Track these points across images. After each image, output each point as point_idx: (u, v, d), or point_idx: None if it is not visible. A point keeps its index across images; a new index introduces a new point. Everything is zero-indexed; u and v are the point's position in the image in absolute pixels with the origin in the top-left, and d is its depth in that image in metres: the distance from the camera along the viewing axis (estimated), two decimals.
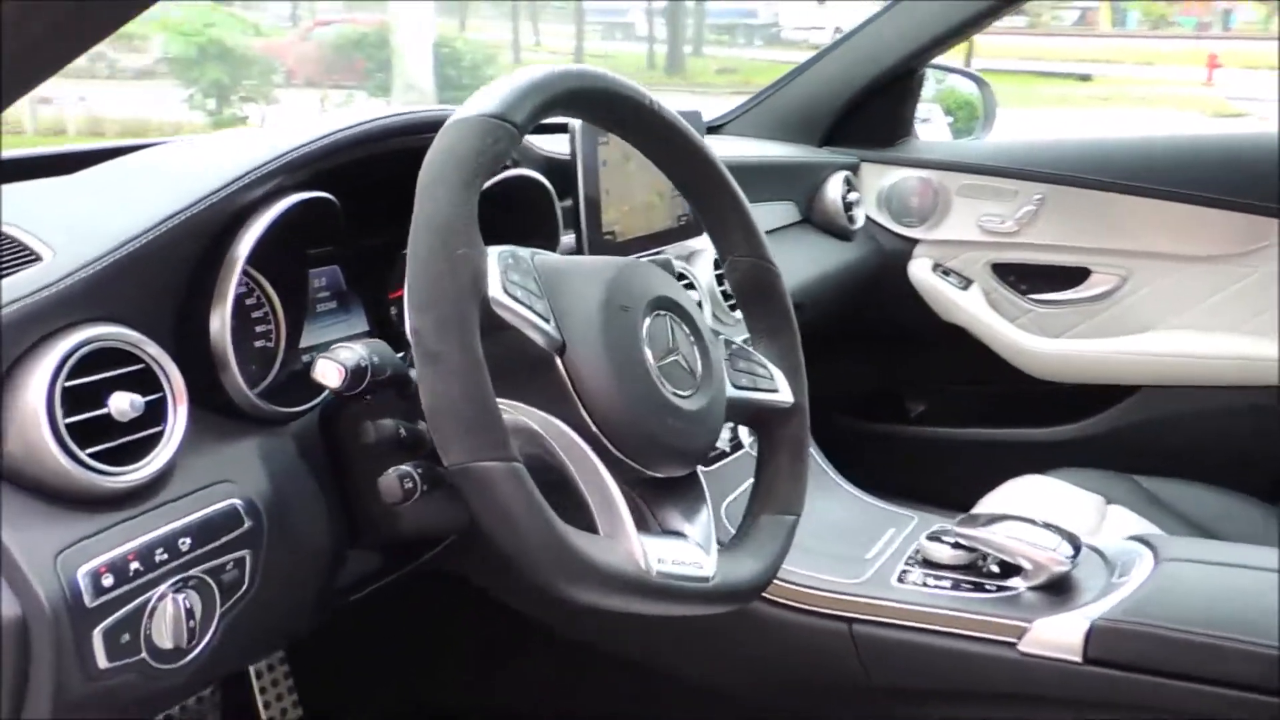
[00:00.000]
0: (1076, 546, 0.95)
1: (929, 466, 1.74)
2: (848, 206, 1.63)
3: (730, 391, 0.74)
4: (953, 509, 1.52)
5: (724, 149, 1.31)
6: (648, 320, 0.69)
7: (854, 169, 1.69)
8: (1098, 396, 1.64)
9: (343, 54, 9.02)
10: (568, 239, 1.00)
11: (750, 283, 0.80)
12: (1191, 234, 1.56)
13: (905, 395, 1.86)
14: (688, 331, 0.71)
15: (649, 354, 0.67)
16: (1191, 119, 9.26)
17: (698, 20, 14.34)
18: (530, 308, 0.62)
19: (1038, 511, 1.39)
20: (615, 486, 0.64)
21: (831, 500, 1.14)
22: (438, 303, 0.57)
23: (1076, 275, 1.66)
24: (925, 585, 0.95)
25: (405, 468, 0.63)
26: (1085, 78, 12.02)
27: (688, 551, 0.67)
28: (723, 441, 1.10)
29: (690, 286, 1.16)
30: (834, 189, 1.62)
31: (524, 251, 0.65)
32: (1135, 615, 0.87)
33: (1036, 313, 1.68)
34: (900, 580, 0.96)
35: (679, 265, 1.14)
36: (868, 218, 1.69)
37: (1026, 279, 1.68)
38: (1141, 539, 0.99)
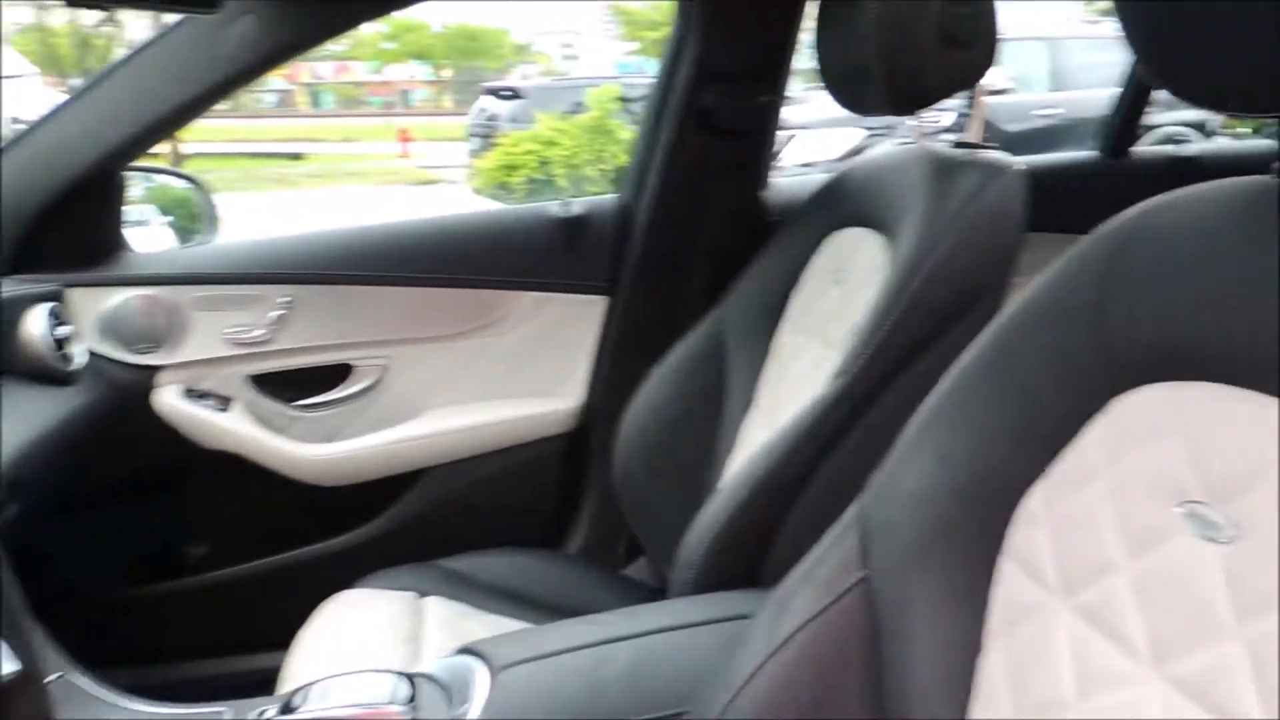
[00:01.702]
0: (411, 683, 0.88)
1: (232, 613, 1.54)
2: (59, 344, 1.34)
3: None
4: (273, 648, 1.37)
5: None
6: None
7: (58, 297, 1.39)
8: (387, 491, 1.61)
9: None
10: None
11: None
12: (440, 314, 1.61)
13: (182, 543, 1.61)
14: None
15: None
16: (398, 190, 10.17)
17: None
18: None
19: (359, 632, 1.31)
20: None
21: None
22: None
23: (339, 373, 1.61)
24: None
25: None
26: (297, 156, 12.47)
27: None
28: None
29: None
30: (35, 325, 1.31)
31: None
32: None
33: (306, 419, 1.59)
34: None
35: None
36: (90, 353, 1.42)
37: (289, 386, 1.57)
38: (470, 650, 0.95)
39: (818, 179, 1.88)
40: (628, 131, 7.62)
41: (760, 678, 0.74)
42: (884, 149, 1.34)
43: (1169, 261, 0.60)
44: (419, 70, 18.45)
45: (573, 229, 1.61)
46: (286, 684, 1.23)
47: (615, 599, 1.45)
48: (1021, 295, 0.72)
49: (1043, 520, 0.64)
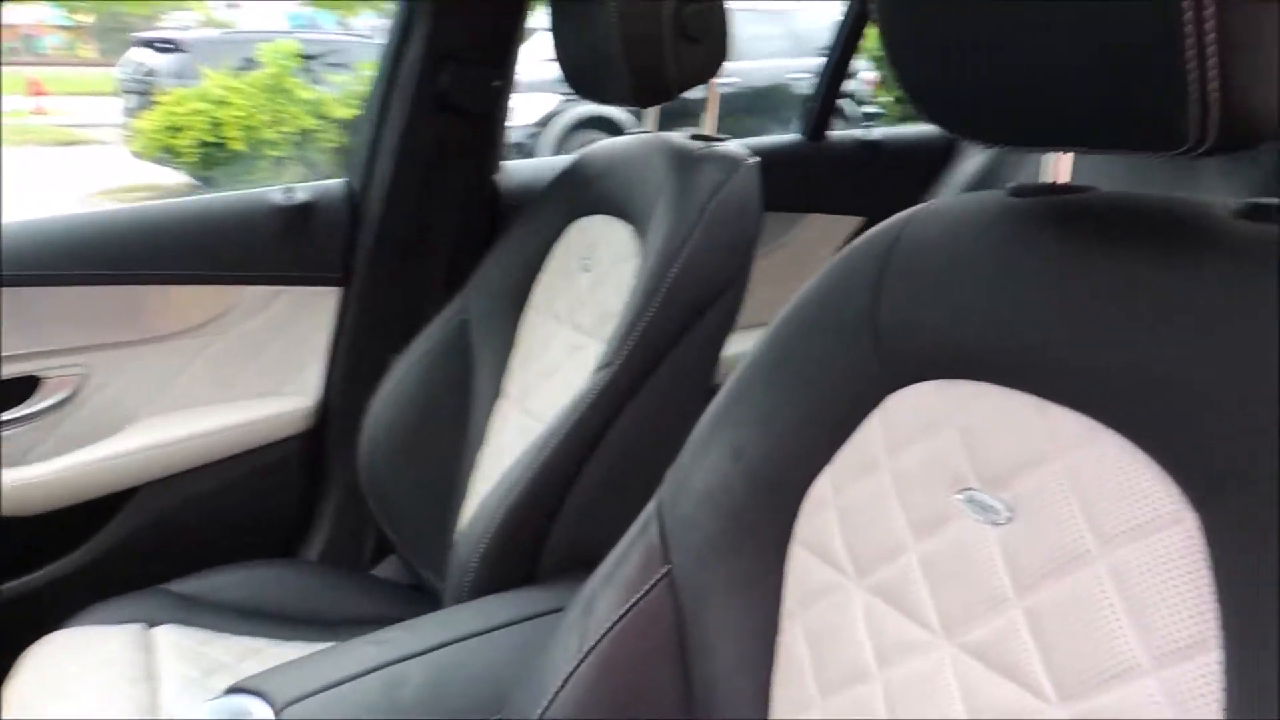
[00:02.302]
0: None
1: None
2: None
3: None
4: None
5: None
6: None
7: None
8: (97, 514, 1.44)
9: None
10: None
11: None
12: (148, 314, 1.45)
13: None
14: None
15: None
16: (35, 151, 8.95)
17: None
18: None
19: (79, 677, 1.17)
20: None
21: None
22: None
23: (24, 387, 1.41)
24: None
25: None
26: None
27: None
28: None
29: None
30: None
31: None
32: None
33: None
34: None
35: None
36: None
37: None
38: (243, 688, 0.89)
39: (549, 163, 1.90)
40: (309, 91, 7.17)
41: (575, 680, 0.75)
42: (623, 138, 1.37)
43: (929, 272, 0.67)
44: (49, 12, 16.23)
45: (298, 217, 1.51)
46: None
47: (369, 601, 1.41)
48: (799, 296, 0.77)
49: (831, 506, 0.70)
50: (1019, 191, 0.68)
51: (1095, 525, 0.54)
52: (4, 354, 1.37)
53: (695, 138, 1.28)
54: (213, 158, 7.24)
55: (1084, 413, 0.56)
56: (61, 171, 6.48)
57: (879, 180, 2.08)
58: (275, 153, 7.33)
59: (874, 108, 6.32)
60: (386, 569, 1.58)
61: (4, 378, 1.38)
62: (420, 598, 1.43)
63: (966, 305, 0.64)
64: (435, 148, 1.52)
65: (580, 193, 1.37)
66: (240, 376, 1.53)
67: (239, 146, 7.19)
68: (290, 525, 1.57)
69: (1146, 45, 0.48)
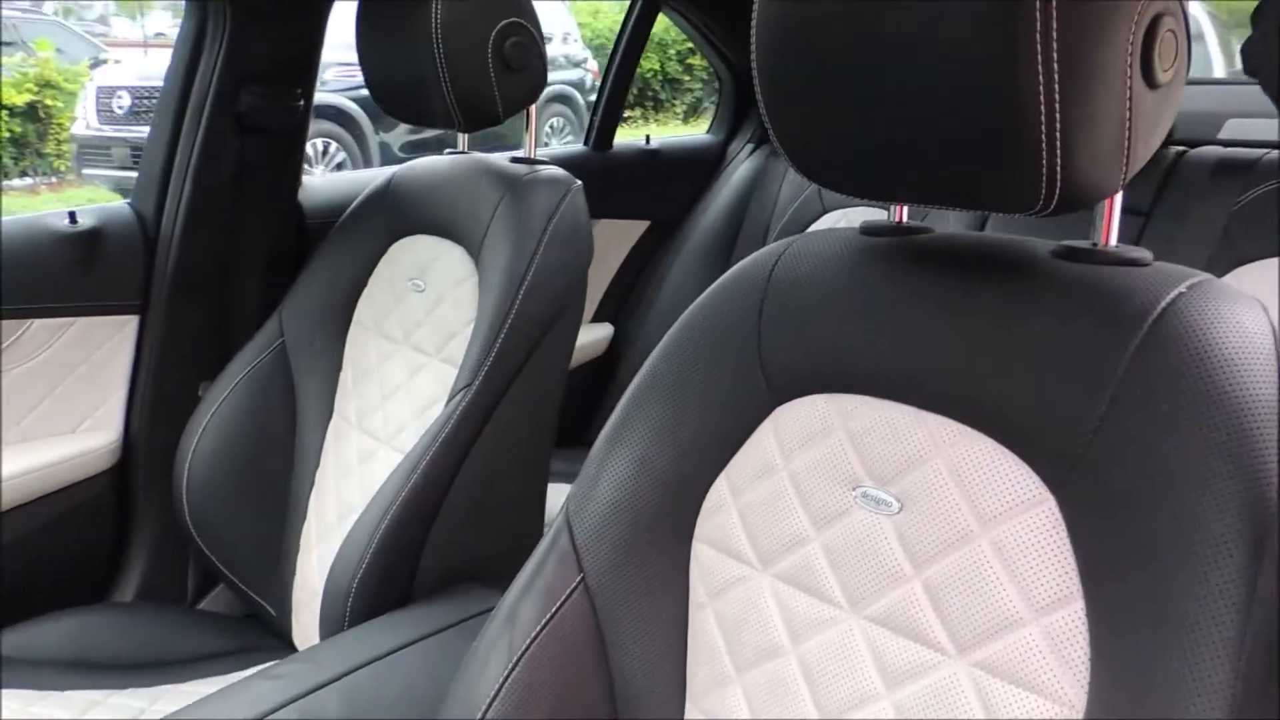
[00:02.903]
0: None
1: None
2: None
3: None
4: None
5: None
6: None
7: None
8: None
9: None
10: None
11: None
12: None
13: None
14: None
15: None
16: None
17: None
18: None
19: None
20: None
21: None
22: None
23: None
24: None
25: None
26: None
27: None
28: None
29: None
30: None
31: None
32: None
33: None
34: None
35: None
36: None
37: None
38: None
39: (349, 179, 1.88)
40: None
41: (509, 684, 0.81)
42: (439, 159, 1.40)
43: (804, 302, 0.79)
44: None
45: (83, 244, 1.42)
46: None
47: (201, 637, 1.37)
48: (686, 318, 0.87)
49: (730, 507, 0.81)
50: (871, 230, 0.81)
51: (976, 509, 0.68)
52: None
53: (516, 160, 1.34)
54: None
55: (955, 419, 0.70)
56: None
57: (660, 186, 2.22)
58: None
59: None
60: (213, 602, 1.52)
61: None
62: (254, 626, 1.41)
63: (841, 333, 0.76)
64: (236, 169, 1.47)
65: (400, 213, 1.39)
66: (30, 416, 1.42)
67: None
68: (103, 568, 1.48)
69: (1010, 130, 0.61)
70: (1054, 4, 0.57)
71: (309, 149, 3.11)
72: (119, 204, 1.50)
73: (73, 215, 1.42)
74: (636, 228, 2.20)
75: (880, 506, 0.73)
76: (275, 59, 1.45)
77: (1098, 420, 0.63)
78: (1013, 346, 0.68)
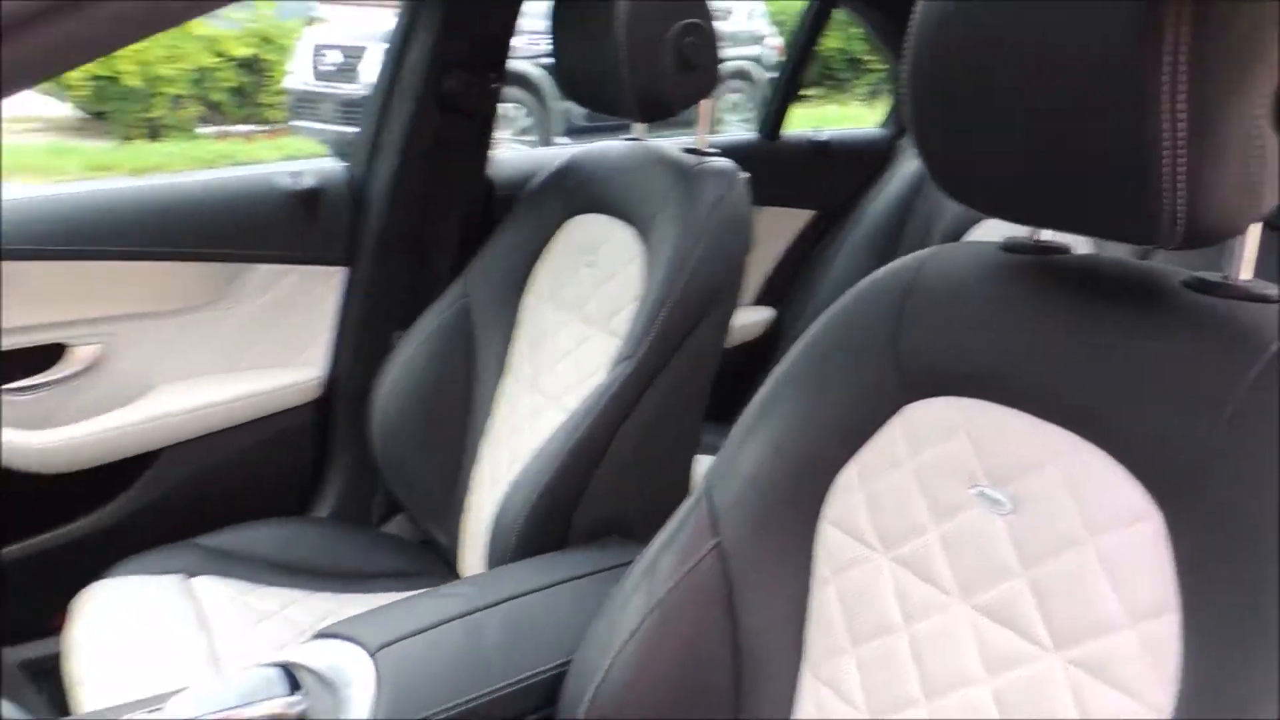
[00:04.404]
0: (291, 679, 0.94)
1: None
2: None
3: None
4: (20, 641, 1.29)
5: None
6: None
7: None
8: (125, 473, 1.53)
9: None
10: None
11: None
12: (164, 289, 1.54)
13: None
14: None
15: None
16: None
17: None
18: None
19: (141, 619, 1.29)
20: None
21: None
22: None
23: (51, 354, 1.48)
24: None
25: None
26: None
27: None
28: None
29: None
30: None
31: None
32: (403, 712, 0.92)
33: (19, 403, 1.46)
34: None
35: None
36: None
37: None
38: (333, 633, 1.02)
39: (533, 156, 2.02)
40: (206, 28, 6.90)
41: (644, 629, 0.92)
42: (616, 144, 1.51)
43: (942, 309, 0.85)
44: None
45: (304, 201, 1.61)
46: (78, 675, 1.21)
47: (383, 556, 1.55)
48: (826, 318, 0.94)
49: (857, 492, 0.89)
50: (1011, 247, 0.86)
51: (1085, 517, 0.74)
52: (32, 324, 1.44)
53: (688, 151, 1.43)
54: (105, 92, 6.95)
55: (1071, 430, 0.75)
56: None
57: (828, 177, 2.28)
58: (172, 90, 7.07)
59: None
60: (394, 526, 1.71)
61: (32, 345, 1.46)
62: (427, 551, 1.58)
63: (974, 340, 0.82)
64: (436, 144, 1.63)
65: (577, 191, 1.50)
66: (252, 349, 1.63)
67: (134, 82, 6.91)
68: (303, 486, 1.68)
69: (1136, 165, 0.65)
70: (1182, 27, 0.60)
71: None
72: (337, 166, 1.68)
73: (296, 173, 1.61)
74: (802, 216, 2.26)
75: (995, 505, 0.79)
76: (474, 47, 1.60)
77: (1212, 444, 0.67)
78: (1134, 368, 0.72)
